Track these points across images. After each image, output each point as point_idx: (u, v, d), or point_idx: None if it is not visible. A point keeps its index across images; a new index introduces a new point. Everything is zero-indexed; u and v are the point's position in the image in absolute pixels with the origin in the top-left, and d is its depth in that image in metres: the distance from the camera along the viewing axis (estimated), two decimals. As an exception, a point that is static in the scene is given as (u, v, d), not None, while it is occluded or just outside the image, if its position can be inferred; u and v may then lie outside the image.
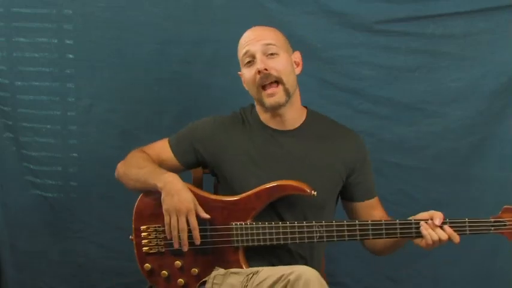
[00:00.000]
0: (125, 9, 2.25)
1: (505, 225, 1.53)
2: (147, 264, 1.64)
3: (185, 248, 1.57)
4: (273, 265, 1.60)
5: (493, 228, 1.53)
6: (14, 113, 2.32)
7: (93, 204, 2.33)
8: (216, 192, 1.81)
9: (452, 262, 2.23)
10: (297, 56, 1.74)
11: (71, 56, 2.29)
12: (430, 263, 2.25)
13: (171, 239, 1.58)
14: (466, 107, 2.19)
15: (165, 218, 1.57)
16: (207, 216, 1.59)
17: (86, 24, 2.27)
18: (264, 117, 1.71)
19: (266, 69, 1.62)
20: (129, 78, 2.29)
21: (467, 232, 1.54)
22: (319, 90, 2.24)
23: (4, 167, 2.35)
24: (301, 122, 1.72)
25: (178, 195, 1.56)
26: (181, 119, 2.15)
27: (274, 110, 1.66)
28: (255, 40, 1.66)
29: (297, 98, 1.71)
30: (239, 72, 1.73)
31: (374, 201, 1.75)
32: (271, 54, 1.64)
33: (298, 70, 1.72)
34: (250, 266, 1.60)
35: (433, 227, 1.53)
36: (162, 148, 1.75)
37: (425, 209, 2.21)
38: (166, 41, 2.25)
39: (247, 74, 1.67)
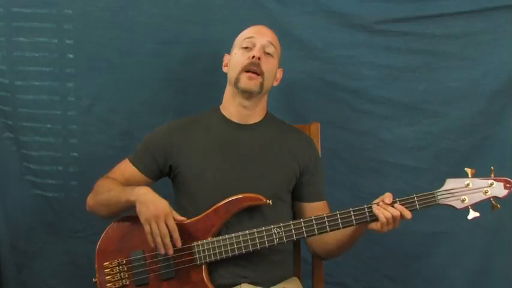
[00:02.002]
0: (125, 9, 2.25)
1: (451, 195, 1.60)
2: None
3: (170, 252, 1.61)
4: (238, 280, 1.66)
5: (439, 199, 1.61)
6: (14, 112, 2.31)
7: (93, 204, 2.32)
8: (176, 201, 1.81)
9: (452, 262, 2.23)
10: (280, 72, 1.87)
11: (71, 55, 2.29)
12: (430, 263, 2.25)
13: (155, 248, 1.62)
14: (466, 107, 2.19)
15: (145, 228, 1.60)
16: (183, 218, 1.62)
17: (86, 24, 2.27)
18: (230, 111, 1.81)
19: (260, 59, 1.74)
20: (129, 78, 2.29)
21: (417, 207, 1.61)
22: (319, 90, 2.24)
23: (4, 167, 2.35)
24: (261, 119, 1.82)
25: (153, 203, 1.60)
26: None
27: (244, 94, 1.76)
28: (262, 34, 1.80)
29: (264, 101, 1.83)
30: (226, 54, 1.86)
31: (322, 204, 1.82)
32: (269, 53, 1.78)
33: (276, 83, 1.86)
34: (215, 285, 1.65)
35: (385, 206, 1.60)
36: (125, 167, 1.81)
37: (426, 209, 2.25)
38: (166, 41, 2.26)
39: (239, 55, 1.78)
